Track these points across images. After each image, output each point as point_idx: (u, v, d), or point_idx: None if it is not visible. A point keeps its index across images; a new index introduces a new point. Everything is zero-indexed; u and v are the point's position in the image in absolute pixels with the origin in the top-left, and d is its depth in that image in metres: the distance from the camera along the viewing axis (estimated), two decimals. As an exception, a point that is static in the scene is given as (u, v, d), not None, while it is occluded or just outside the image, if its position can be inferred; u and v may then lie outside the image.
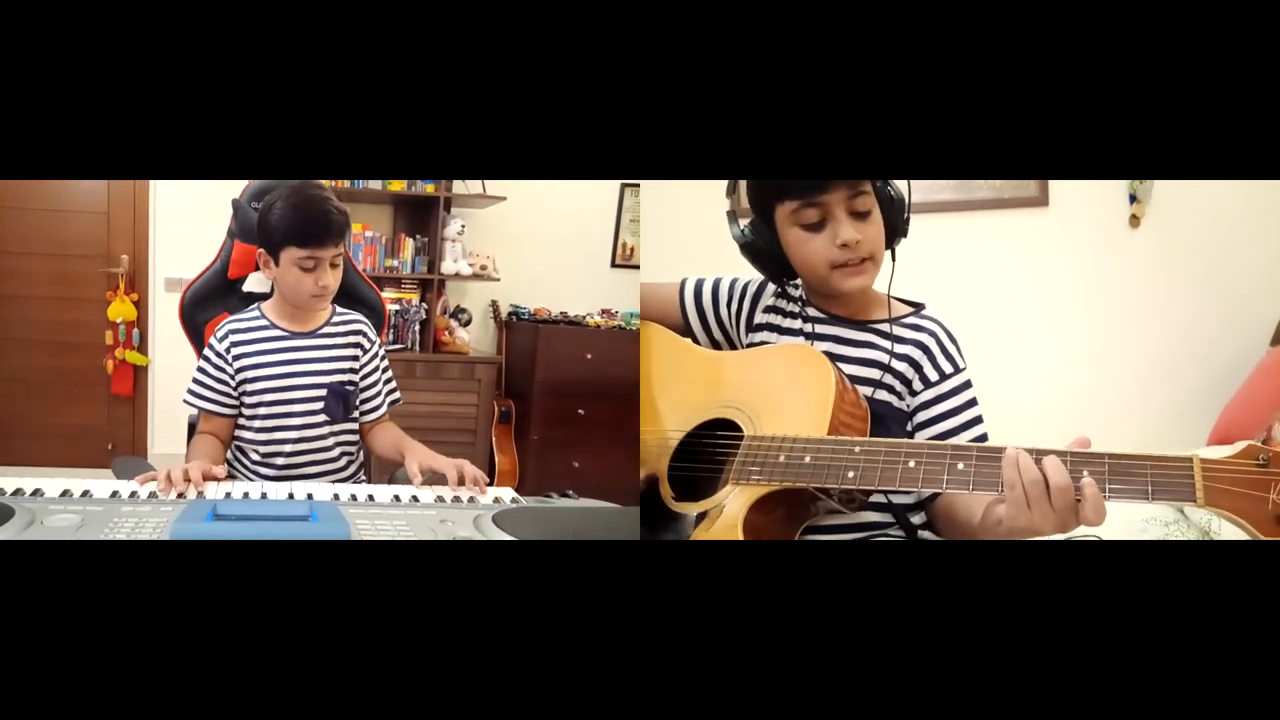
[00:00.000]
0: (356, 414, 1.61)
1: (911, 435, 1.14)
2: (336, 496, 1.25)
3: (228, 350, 1.53)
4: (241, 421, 1.56)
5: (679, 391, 1.20)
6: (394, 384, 1.67)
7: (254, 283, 1.70)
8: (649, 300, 1.33)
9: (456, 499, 1.31)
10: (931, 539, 1.15)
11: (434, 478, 1.41)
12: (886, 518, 1.14)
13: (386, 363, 1.66)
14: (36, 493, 1.15)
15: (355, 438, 1.63)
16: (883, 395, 1.14)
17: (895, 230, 1.15)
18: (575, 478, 3.43)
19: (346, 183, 3.38)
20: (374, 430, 1.64)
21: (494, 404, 3.52)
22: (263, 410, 1.54)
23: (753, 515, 1.00)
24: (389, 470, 1.68)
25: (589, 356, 3.51)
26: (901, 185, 1.15)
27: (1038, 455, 0.88)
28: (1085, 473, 0.86)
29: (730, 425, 1.11)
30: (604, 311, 3.77)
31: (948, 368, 1.15)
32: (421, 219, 3.59)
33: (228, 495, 1.23)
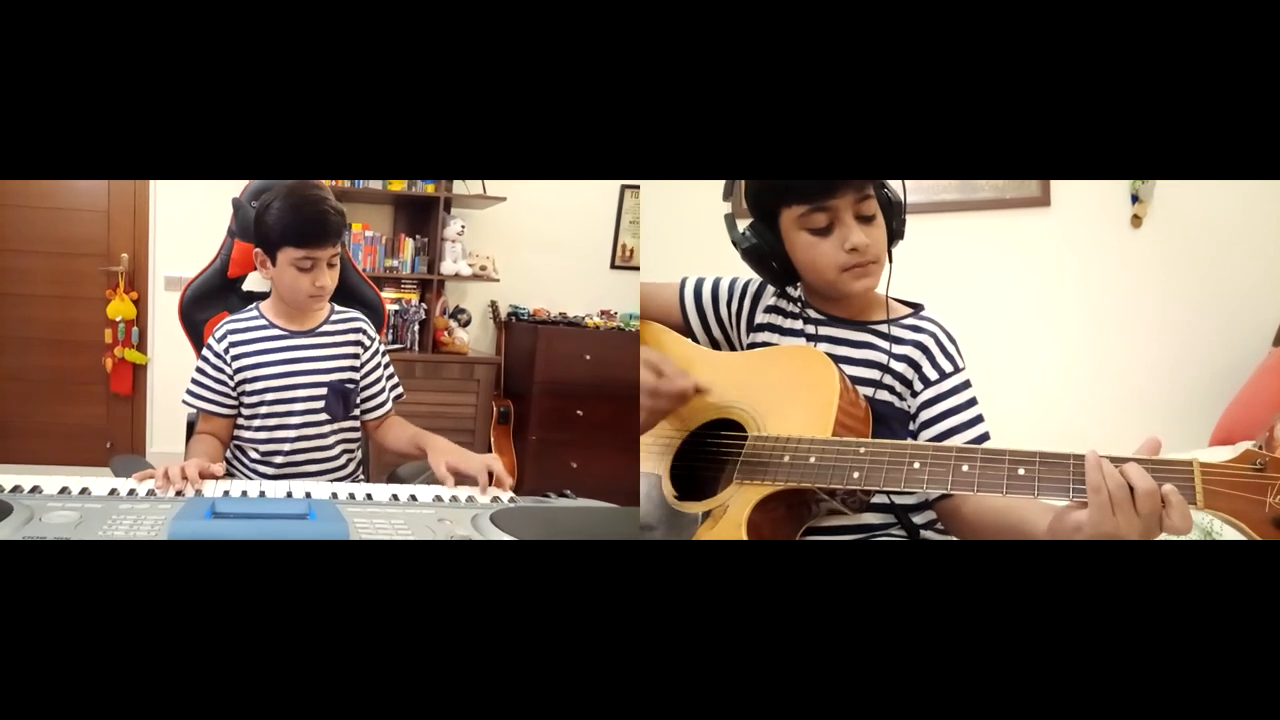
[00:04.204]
0: (358, 412, 1.61)
1: (914, 435, 1.14)
2: (335, 495, 1.25)
3: (226, 350, 1.53)
4: (241, 420, 1.56)
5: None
6: (396, 379, 1.67)
7: (254, 282, 1.70)
8: (649, 300, 1.32)
9: (454, 498, 1.31)
10: (934, 539, 1.15)
11: (462, 479, 1.40)
12: (888, 518, 1.14)
13: (388, 359, 1.66)
14: (35, 490, 1.15)
15: (356, 435, 1.63)
16: (883, 395, 1.14)
17: (893, 233, 1.16)
18: (573, 478, 3.43)
19: (346, 182, 3.38)
20: (383, 426, 1.64)
21: (493, 404, 3.52)
22: (263, 410, 1.54)
23: (755, 515, 1.00)
24: (389, 468, 1.68)
25: (588, 357, 3.51)
26: (898, 188, 1.16)
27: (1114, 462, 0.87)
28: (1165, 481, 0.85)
29: (734, 425, 1.11)
30: (603, 312, 3.77)
31: (947, 367, 1.15)
32: (421, 219, 3.59)
33: (226, 493, 1.23)
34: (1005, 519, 1.03)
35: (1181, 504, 0.84)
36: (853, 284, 1.13)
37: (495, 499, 1.33)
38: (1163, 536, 0.86)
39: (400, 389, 1.68)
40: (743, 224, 1.20)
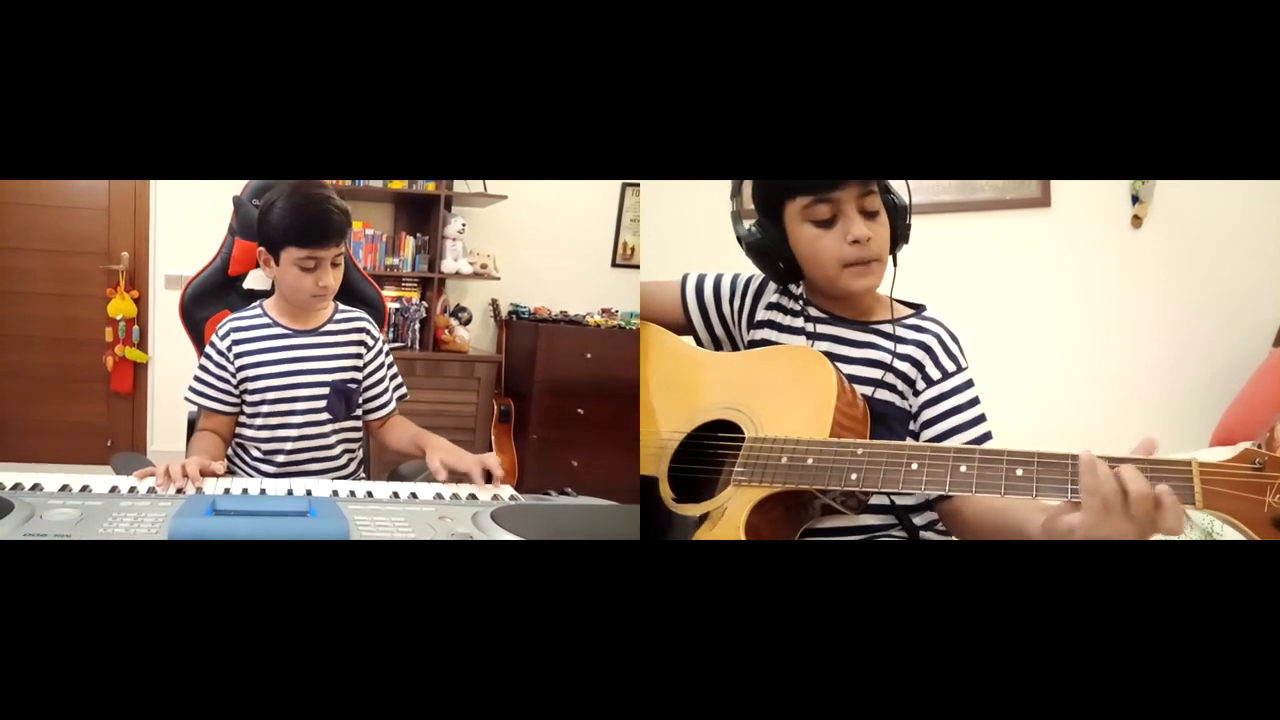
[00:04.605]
0: (360, 412, 1.61)
1: (915, 435, 1.14)
2: (335, 493, 1.25)
3: (229, 348, 1.53)
4: (243, 419, 1.56)
5: (679, 393, 1.19)
6: (400, 379, 1.67)
7: (255, 280, 1.70)
8: (649, 298, 1.32)
9: (455, 496, 1.31)
10: (934, 539, 1.15)
11: (458, 476, 1.40)
12: (888, 519, 1.14)
13: (391, 359, 1.66)
14: (35, 487, 1.15)
15: (358, 435, 1.63)
16: (884, 395, 1.14)
17: (898, 236, 1.16)
18: (574, 477, 3.43)
19: (347, 180, 3.38)
20: (385, 426, 1.63)
21: (493, 403, 3.52)
22: (265, 408, 1.54)
23: (754, 517, 1.00)
24: (390, 466, 1.68)
25: (589, 356, 3.51)
26: (903, 192, 1.16)
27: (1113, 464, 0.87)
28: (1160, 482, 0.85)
29: (731, 427, 1.11)
30: (604, 311, 3.77)
31: (950, 366, 1.15)
32: (422, 217, 3.59)
33: (226, 491, 1.23)
34: (1005, 520, 1.03)
35: (1175, 505, 0.83)
36: (854, 282, 1.13)
37: (495, 497, 1.33)
38: (1156, 536, 0.86)
39: (404, 389, 1.68)
40: (748, 222, 1.20)
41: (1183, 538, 0.86)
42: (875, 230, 1.12)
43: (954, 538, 1.14)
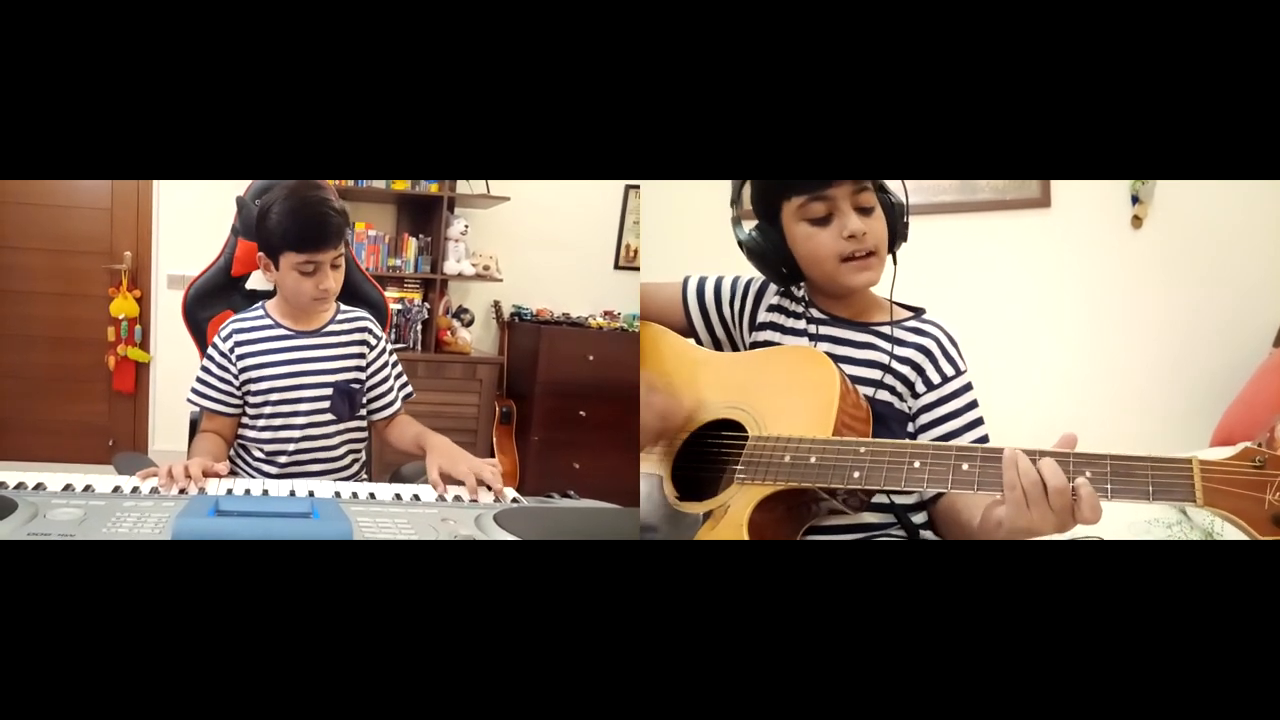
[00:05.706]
0: (365, 412, 1.61)
1: (913, 436, 1.15)
2: (338, 494, 1.25)
3: (231, 350, 1.53)
4: (245, 420, 1.56)
5: (682, 392, 1.20)
6: (405, 379, 1.67)
7: (258, 280, 1.70)
8: (650, 299, 1.33)
9: (458, 498, 1.31)
10: (933, 539, 1.16)
11: (456, 483, 1.39)
12: (888, 518, 1.14)
13: (395, 358, 1.66)
14: (39, 487, 1.15)
15: (363, 435, 1.63)
16: (884, 396, 1.14)
17: (895, 234, 1.16)
18: (576, 479, 3.43)
19: (350, 181, 3.38)
20: (391, 426, 1.64)
21: (495, 404, 3.52)
22: (267, 409, 1.54)
23: (756, 515, 1.00)
24: (391, 467, 1.68)
25: (591, 358, 3.51)
26: (899, 192, 1.16)
27: (1035, 456, 0.88)
28: (1086, 473, 0.87)
29: (734, 426, 1.11)
30: (606, 313, 3.77)
31: (949, 370, 1.15)
32: (425, 219, 3.59)
33: (229, 492, 1.23)
34: (957, 519, 1.08)
35: (1091, 496, 0.85)
36: (853, 277, 1.14)
37: (497, 499, 1.33)
38: (1082, 531, 0.87)
39: (409, 388, 1.67)
40: (748, 225, 1.21)
41: (1183, 537, 0.86)
42: (871, 226, 1.12)
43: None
